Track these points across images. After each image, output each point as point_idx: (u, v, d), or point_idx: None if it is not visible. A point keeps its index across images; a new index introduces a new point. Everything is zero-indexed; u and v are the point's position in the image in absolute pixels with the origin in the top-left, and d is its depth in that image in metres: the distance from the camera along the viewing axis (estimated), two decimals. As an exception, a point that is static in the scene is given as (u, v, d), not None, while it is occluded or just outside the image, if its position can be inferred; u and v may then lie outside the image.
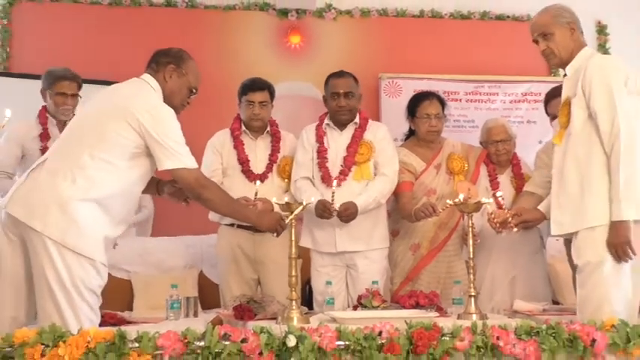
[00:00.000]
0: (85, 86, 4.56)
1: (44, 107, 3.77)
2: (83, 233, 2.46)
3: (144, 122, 2.56)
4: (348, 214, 3.36)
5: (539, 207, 3.17)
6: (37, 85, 4.21)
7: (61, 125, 3.68)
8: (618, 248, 2.57)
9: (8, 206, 2.52)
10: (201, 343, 2.14)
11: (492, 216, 3.17)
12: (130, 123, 2.56)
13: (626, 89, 2.68)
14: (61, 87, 3.66)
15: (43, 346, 2.03)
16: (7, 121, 3.18)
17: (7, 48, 5.24)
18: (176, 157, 2.61)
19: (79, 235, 2.45)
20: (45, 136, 3.70)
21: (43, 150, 3.57)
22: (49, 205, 2.45)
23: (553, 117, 3.43)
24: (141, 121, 2.56)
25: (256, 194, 3.21)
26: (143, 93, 2.72)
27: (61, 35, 5.30)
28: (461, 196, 3.08)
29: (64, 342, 2.06)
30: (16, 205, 2.50)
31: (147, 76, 2.80)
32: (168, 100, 2.76)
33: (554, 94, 3.44)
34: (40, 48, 5.23)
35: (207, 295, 3.90)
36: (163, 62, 2.81)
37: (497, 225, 3.16)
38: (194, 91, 2.88)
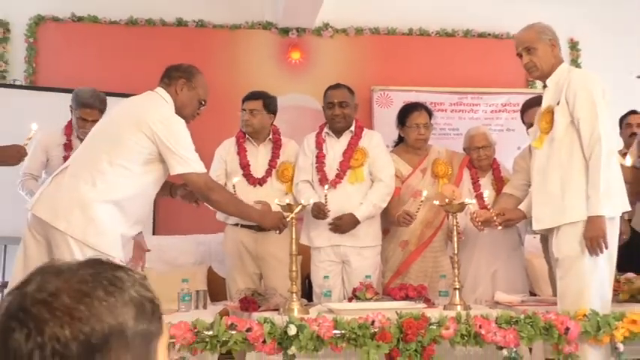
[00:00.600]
0: (103, 98, 4.56)
1: (70, 121, 3.77)
2: (102, 232, 2.47)
3: (157, 132, 2.57)
4: (341, 230, 3.41)
5: (519, 207, 3.18)
6: (61, 97, 4.20)
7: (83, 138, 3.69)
8: (594, 241, 2.58)
9: (34, 208, 2.53)
10: (210, 333, 2.15)
11: (474, 215, 3.18)
12: (145, 132, 2.56)
13: (606, 101, 2.72)
14: (84, 113, 3.63)
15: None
16: (33, 133, 3.17)
17: (32, 64, 5.23)
18: (187, 162, 2.62)
19: (99, 233, 2.46)
20: (68, 147, 3.70)
21: (66, 158, 3.56)
22: (72, 207, 2.45)
23: (529, 125, 3.44)
24: (154, 131, 2.57)
25: (234, 187, 3.20)
26: (156, 105, 2.72)
27: (83, 52, 5.30)
28: (424, 193, 3.19)
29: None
30: (42, 207, 2.51)
31: (160, 90, 2.79)
32: (179, 111, 2.75)
33: (530, 104, 3.46)
34: (63, 63, 5.23)
35: (216, 288, 3.89)
36: (175, 77, 2.81)
37: (480, 223, 3.17)
38: (203, 102, 2.88)
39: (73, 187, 2.50)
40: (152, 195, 2.73)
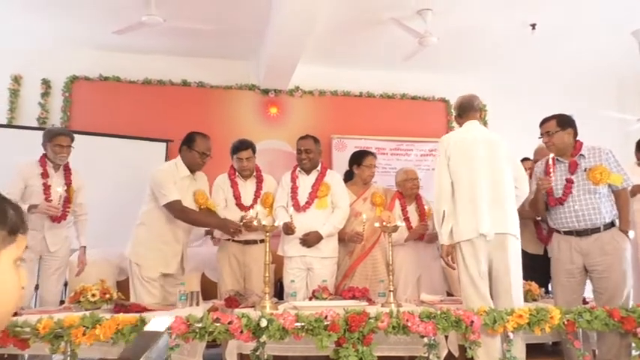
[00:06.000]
0: (119, 140, 4.50)
1: (43, 155, 3.47)
2: None
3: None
4: (308, 244, 3.45)
5: None
6: (89, 139, 4.10)
7: (57, 167, 3.48)
8: (443, 260, 2.78)
9: None
10: (199, 325, 2.14)
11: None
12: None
13: (447, 155, 2.78)
14: (60, 140, 3.42)
15: (84, 327, 2.01)
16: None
17: (67, 112, 5.18)
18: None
19: None
20: (45, 175, 3.42)
21: (44, 185, 3.37)
22: None
23: None
24: None
25: (242, 218, 3.37)
26: None
27: (107, 104, 5.26)
28: (363, 217, 3.30)
29: (100, 325, 2.04)
30: None
31: None
32: None
33: None
34: (91, 113, 5.18)
35: (208, 290, 3.85)
36: None
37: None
38: None
39: None
40: None
